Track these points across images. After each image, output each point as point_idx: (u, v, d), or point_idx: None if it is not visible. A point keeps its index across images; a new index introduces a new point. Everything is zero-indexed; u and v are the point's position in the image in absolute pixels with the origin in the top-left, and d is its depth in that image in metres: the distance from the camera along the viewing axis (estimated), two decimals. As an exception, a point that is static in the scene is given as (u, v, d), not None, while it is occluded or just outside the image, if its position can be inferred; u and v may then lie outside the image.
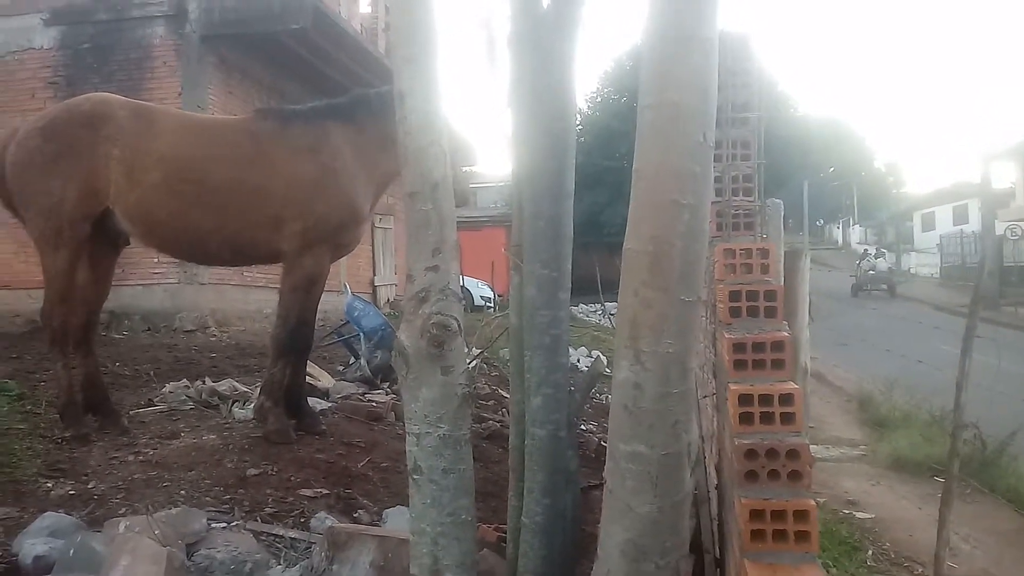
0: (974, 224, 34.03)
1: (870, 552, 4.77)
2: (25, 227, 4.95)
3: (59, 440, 4.67)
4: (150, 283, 10.41)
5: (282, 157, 4.96)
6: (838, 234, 50.63)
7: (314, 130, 5.07)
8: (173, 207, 4.82)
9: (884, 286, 28.47)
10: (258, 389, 5.27)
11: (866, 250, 33.35)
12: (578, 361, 10.85)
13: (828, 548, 4.49)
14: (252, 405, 5.63)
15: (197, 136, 5.05)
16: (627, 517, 1.88)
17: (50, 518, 3.21)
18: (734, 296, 2.42)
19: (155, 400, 5.96)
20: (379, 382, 7.10)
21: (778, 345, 2.25)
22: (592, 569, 2.05)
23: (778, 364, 2.24)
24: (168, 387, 6.20)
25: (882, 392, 9.11)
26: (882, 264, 29.39)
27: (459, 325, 2.24)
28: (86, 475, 4.06)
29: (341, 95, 5.51)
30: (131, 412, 5.55)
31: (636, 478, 1.87)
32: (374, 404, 6.16)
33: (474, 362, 2.32)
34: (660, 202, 1.81)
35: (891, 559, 4.75)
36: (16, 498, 3.70)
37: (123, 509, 3.56)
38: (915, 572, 4.56)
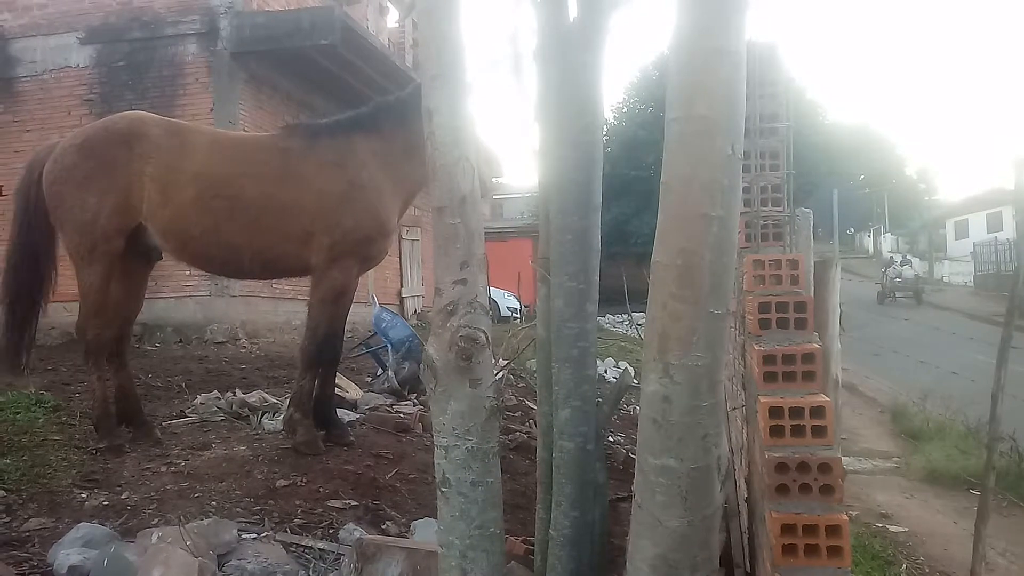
0: (1008, 232, 33.43)
1: (904, 567, 4.69)
2: (62, 242, 5.05)
3: (93, 451, 4.74)
4: (182, 295, 10.56)
5: (310, 172, 5.04)
6: (869, 243, 49.91)
7: (339, 144, 5.13)
8: (206, 223, 4.91)
9: (910, 293, 28.28)
10: (287, 401, 5.32)
11: (892, 257, 33.21)
12: (605, 372, 10.81)
13: (861, 562, 4.42)
14: (281, 417, 5.69)
15: (229, 153, 5.14)
16: (656, 531, 1.87)
17: (84, 528, 3.26)
18: (764, 308, 2.41)
19: (187, 411, 6.04)
20: (407, 393, 7.13)
21: (808, 357, 2.23)
22: (621, 583, 2.04)
23: (809, 376, 2.22)
24: (199, 399, 6.28)
25: (916, 403, 8.97)
26: (908, 271, 29.24)
27: (487, 338, 2.25)
28: (120, 486, 4.12)
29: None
30: (163, 423, 5.62)
31: (666, 492, 1.86)
32: (402, 415, 6.18)
33: (501, 373, 2.32)
34: (689, 215, 1.81)
35: (925, 574, 4.67)
36: (51, 509, 3.76)
37: (155, 520, 3.60)
38: (951, 587, 4.47)
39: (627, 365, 9.02)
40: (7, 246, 5.17)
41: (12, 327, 5.03)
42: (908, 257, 33.59)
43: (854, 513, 5.36)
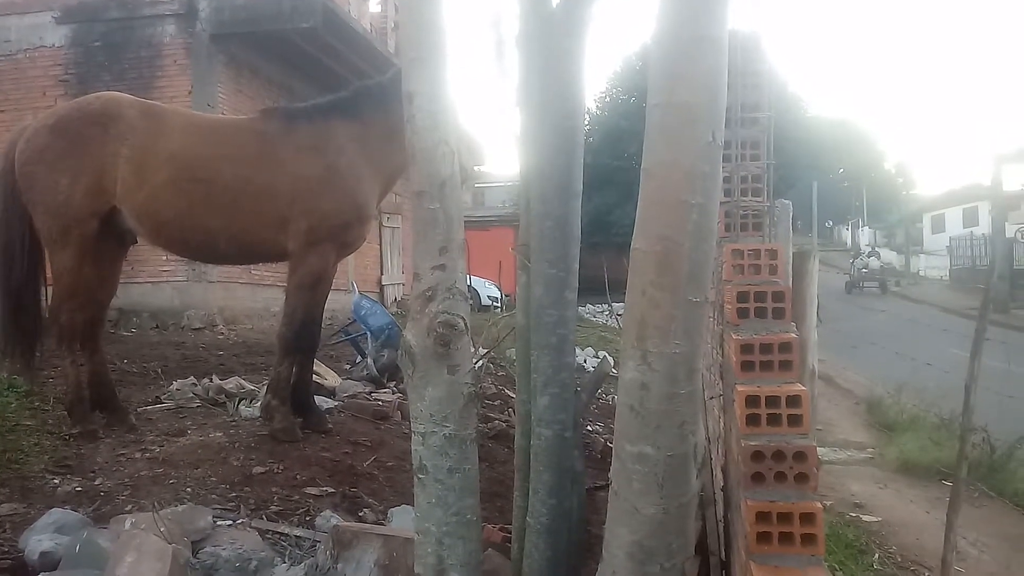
0: (984, 227, 33.85)
1: (876, 555, 4.75)
2: (35, 224, 4.89)
3: (66, 437, 4.68)
4: (159, 281, 10.45)
5: (288, 156, 4.98)
6: (847, 236, 50.37)
7: (318, 128, 5.07)
8: (181, 206, 4.83)
9: (875, 284, 30.03)
10: (265, 388, 5.28)
11: (859, 249, 35.09)
12: (584, 361, 10.85)
13: (834, 551, 4.46)
14: (259, 403, 5.65)
15: (206, 136, 5.06)
16: (633, 518, 1.87)
17: (56, 514, 3.22)
18: (742, 297, 2.41)
19: (162, 397, 5.97)
20: (385, 381, 7.11)
21: (786, 346, 2.24)
22: (597, 570, 2.04)
23: (786, 366, 2.23)
24: (175, 384, 6.21)
25: (890, 395, 9.07)
26: (874, 263, 31.00)
27: (465, 324, 2.24)
28: (93, 472, 4.07)
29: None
30: (138, 409, 5.56)
31: (642, 479, 1.86)
32: (380, 403, 6.17)
33: (480, 361, 2.31)
34: (669, 201, 1.80)
35: (898, 563, 4.72)
36: (23, 494, 3.71)
37: (129, 506, 3.56)
38: (921, 576, 4.53)
39: (606, 354, 9.04)
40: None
41: (7, 319, 4.89)
42: (875, 249, 34.98)
43: (828, 503, 5.41)
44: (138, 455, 4.33)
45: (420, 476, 2.23)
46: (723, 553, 2.90)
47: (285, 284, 5.16)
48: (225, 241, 4.98)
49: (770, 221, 3.42)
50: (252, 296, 11.62)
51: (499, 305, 20.00)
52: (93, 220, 4.78)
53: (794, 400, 2.08)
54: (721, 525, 2.99)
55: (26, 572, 2.89)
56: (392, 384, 7.04)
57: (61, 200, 4.71)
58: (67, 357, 4.85)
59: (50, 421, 4.95)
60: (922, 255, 41.41)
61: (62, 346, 4.86)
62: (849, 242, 46.32)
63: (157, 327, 10.31)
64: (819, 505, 1.94)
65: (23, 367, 5.02)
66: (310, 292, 5.02)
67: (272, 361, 5.49)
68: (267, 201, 4.93)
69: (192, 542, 3.11)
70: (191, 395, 5.95)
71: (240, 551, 3.08)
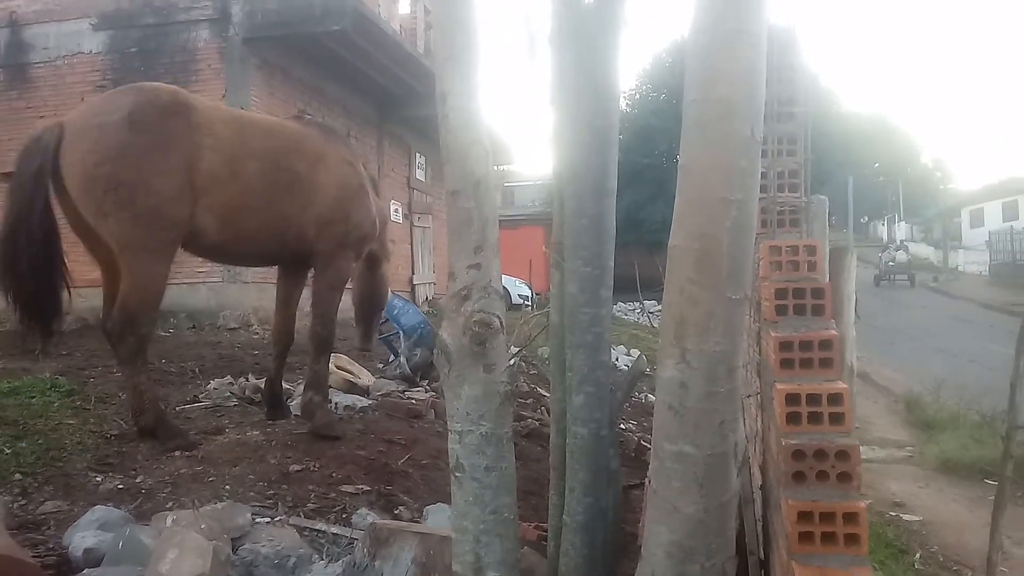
0: (1025, 220, 33.13)
1: (918, 555, 4.67)
2: (106, 229, 4.40)
3: (108, 436, 4.77)
4: (195, 282, 10.60)
5: (334, 162, 5.25)
6: (883, 231, 49.55)
7: (348, 148, 5.55)
8: (268, 197, 4.84)
9: (905, 276, 30.55)
10: (304, 386, 5.37)
11: (889, 243, 36.40)
12: (617, 360, 10.79)
13: (874, 551, 4.39)
14: (295, 402, 5.73)
15: (267, 129, 5.12)
16: (672, 518, 1.86)
17: (99, 511, 3.28)
18: (780, 294, 2.38)
19: (200, 396, 6.07)
20: (419, 380, 7.14)
21: (826, 343, 2.21)
22: (636, 569, 2.03)
23: (826, 363, 2.20)
24: (212, 384, 6.31)
25: (930, 392, 8.91)
26: (902, 256, 31.72)
27: (501, 323, 2.24)
28: (134, 470, 4.14)
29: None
30: (177, 408, 5.65)
31: (682, 478, 1.84)
32: (414, 402, 6.19)
33: (514, 360, 2.31)
34: (707, 198, 1.78)
35: (939, 563, 4.64)
36: (66, 492, 3.78)
37: (170, 503, 3.62)
38: (964, 576, 4.44)
39: (640, 353, 8.99)
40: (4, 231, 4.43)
41: (26, 310, 4.47)
42: (903, 243, 36.01)
43: (868, 501, 5.33)
44: (178, 453, 4.39)
45: (457, 475, 2.24)
46: (762, 553, 2.87)
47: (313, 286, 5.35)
48: (275, 238, 5.00)
49: (807, 216, 3.38)
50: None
51: (530, 304, 19.98)
52: (184, 222, 4.50)
53: (835, 398, 2.05)
54: (759, 524, 2.96)
55: (70, 568, 2.94)
56: (425, 383, 7.07)
57: (156, 203, 4.35)
58: (141, 372, 4.52)
59: (92, 420, 5.04)
60: (960, 250, 40.58)
61: (138, 360, 4.49)
62: (885, 237, 45.60)
63: (194, 327, 10.47)
64: (863, 505, 1.91)
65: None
66: (338, 293, 5.27)
67: (306, 360, 5.62)
68: (319, 200, 5.10)
69: (232, 539, 3.15)
70: (228, 394, 6.04)
71: (279, 548, 3.11)
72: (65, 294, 4.57)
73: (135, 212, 4.33)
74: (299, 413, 5.34)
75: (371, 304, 6.15)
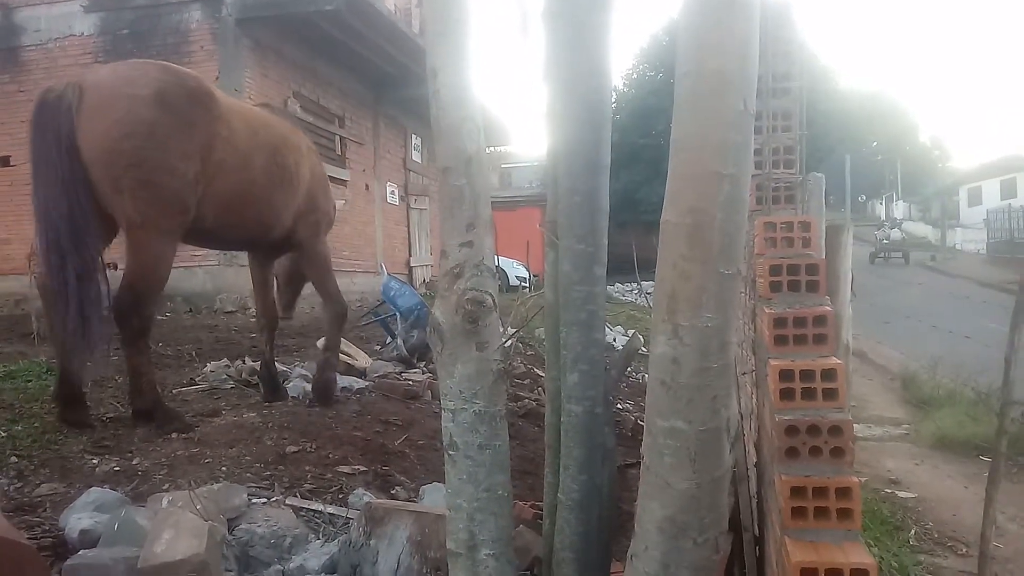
0: (1022, 198, 33.07)
1: (913, 532, 4.69)
2: (115, 201, 4.27)
3: (104, 418, 4.77)
4: (191, 265, 10.58)
5: (306, 153, 5.55)
6: (881, 210, 49.51)
7: (307, 138, 5.80)
8: (269, 188, 5.06)
9: (899, 254, 31.10)
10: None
11: (883, 221, 37.04)
12: (614, 340, 10.80)
13: (870, 527, 4.41)
14: (290, 384, 5.77)
15: (263, 121, 5.25)
16: (665, 493, 1.86)
17: (95, 493, 3.28)
18: (775, 270, 2.37)
19: (197, 379, 6.07)
20: (415, 361, 7.15)
21: (820, 320, 2.20)
22: (629, 546, 2.03)
23: (820, 339, 2.19)
24: (209, 366, 6.31)
25: (926, 370, 8.92)
26: (896, 234, 32.45)
27: (494, 301, 2.23)
28: (130, 452, 4.14)
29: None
30: (174, 391, 5.66)
31: (674, 454, 1.84)
32: (410, 383, 6.21)
33: (510, 340, 2.30)
34: (699, 173, 1.76)
35: (934, 539, 4.66)
36: (63, 474, 3.79)
37: (166, 485, 3.62)
38: (959, 552, 4.46)
39: (635, 331, 8.99)
40: (40, 213, 4.18)
41: (73, 308, 4.11)
42: (897, 220, 36.93)
43: (863, 479, 5.34)
44: (174, 435, 4.39)
45: (450, 453, 2.24)
46: (756, 529, 2.88)
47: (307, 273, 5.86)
48: (261, 228, 5.22)
49: (803, 194, 3.36)
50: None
51: (527, 285, 19.99)
52: (193, 207, 4.49)
53: (829, 374, 2.04)
54: (754, 501, 2.97)
55: (66, 550, 2.95)
56: (422, 364, 7.09)
57: (179, 186, 4.33)
58: (143, 353, 4.49)
59: (88, 403, 5.04)
60: (958, 228, 40.56)
61: (140, 342, 4.43)
62: (883, 216, 45.60)
63: (191, 311, 10.46)
64: (855, 479, 1.90)
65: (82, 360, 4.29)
66: (331, 273, 5.79)
67: (303, 343, 5.83)
68: (300, 192, 5.40)
69: (228, 519, 3.15)
70: (224, 377, 6.04)
71: (275, 528, 3.12)
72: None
73: (153, 192, 4.27)
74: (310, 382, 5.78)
75: (299, 279, 6.37)
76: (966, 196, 43.66)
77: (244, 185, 4.82)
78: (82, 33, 11.31)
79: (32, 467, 3.84)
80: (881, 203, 50.65)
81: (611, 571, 2.59)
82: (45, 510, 3.34)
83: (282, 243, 5.53)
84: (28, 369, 5.72)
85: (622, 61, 41.61)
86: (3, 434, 4.20)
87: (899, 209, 46.45)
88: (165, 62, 4.92)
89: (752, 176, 2.34)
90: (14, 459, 3.89)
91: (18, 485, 3.62)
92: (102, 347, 4.30)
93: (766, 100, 3.01)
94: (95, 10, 11.25)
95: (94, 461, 3.98)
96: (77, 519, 3.04)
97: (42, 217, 4.17)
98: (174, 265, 4.66)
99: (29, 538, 2.85)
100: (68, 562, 2.73)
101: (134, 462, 3.96)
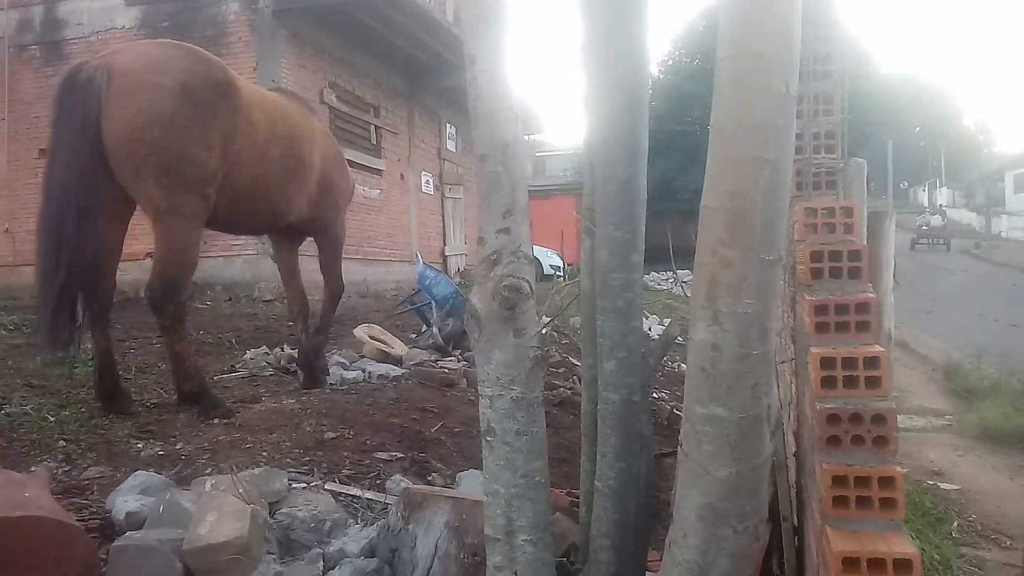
0: (1072, 185, 32.12)
1: (956, 524, 4.61)
2: (137, 188, 4.34)
3: (149, 404, 4.87)
4: (230, 255, 10.74)
5: (320, 137, 5.66)
6: (924, 197, 48.41)
7: (317, 113, 6.11)
8: (282, 179, 5.13)
9: (940, 240, 31.27)
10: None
11: (925, 208, 37.54)
12: (650, 329, 10.74)
13: (912, 519, 4.34)
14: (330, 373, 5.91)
15: (281, 109, 5.30)
16: (704, 481, 1.85)
17: (141, 477, 3.35)
18: (816, 256, 2.32)
19: (237, 366, 6.17)
20: (451, 349, 7.18)
21: (863, 307, 2.16)
22: (667, 533, 2.02)
23: (863, 327, 2.15)
24: (249, 354, 6.41)
25: (970, 360, 8.73)
26: (936, 221, 32.48)
27: (531, 287, 2.22)
28: (174, 437, 4.23)
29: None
30: (215, 378, 5.75)
31: (713, 441, 1.82)
32: (446, 371, 6.24)
33: (545, 328, 2.30)
34: (740, 157, 1.74)
35: (978, 531, 4.57)
36: (109, 458, 3.88)
37: (209, 469, 3.69)
38: (1003, 545, 4.37)
39: (672, 320, 8.93)
40: (51, 196, 4.24)
41: (50, 301, 4.18)
42: (940, 207, 36.51)
43: (905, 470, 5.26)
44: (216, 421, 4.47)
45: (488, 439, 2.25)
46: (795, 519, 2.85)
47: (346, 256, 6.18)
48: (274, 216, 5.33)
49: (844, 179, 3.30)
50: (318, 268, 11.85)
51: (561, 274, 19.94)
52: (213, 197, 4.56)
53: (872, 362, 2.00)
54: (793, 491, 2.93)
55: (113, 531, 3.02)
56: (457, 352, 7.11)
57: (196, 175, 4.38)
58: (184, 339, 4.59)
59: (132, 389, 5.15)
60: (1004, 216, 39.52)
61: (179, 326, 4.53)
62: (926, 203, 44.64)
63: (230, 299, 10.62)
64: (899, 469, 1.87)
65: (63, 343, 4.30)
66: (339, 257, 6.11)
67: (340, 331, 5.96)
68: (314, 178, 5.50)
69: (269, 503, 3.20)
70: (264, 364, 6.13)
71: (315, 512, 3.16)
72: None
73: (175, 179, 4.31)
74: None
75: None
76: (1012, 182, 42.48)
77: (258, 179, 4.88)
78: (123, 26, 11.50)
79: (79, 451, 3.94)
80: (924, 189, 49.54)
81: (647, 559, 2.58)
82: (92, 493, 3.42)
83: (301, 228, 5.79)
84: (74, 356, 5.85)
85: (658, 47, 41.14)
86: (51, 419, 4.31)
87: (942, 196, 45.40)
88: (193, 46, 4.86)
89: (792, 161, 2.30)
90: (62, 443, 4.00)
91: (66, 468, 3.71)
92: (63, 347, 4.32)
93: (807, 83, 2.95)
94: (136, 3, 11.42)
95: (139, 445, 4.07)
96: (123, 501, 3.12)
97: (52, 200, 4.21)
98: (213, 255, 4.81)
99: (77, 520, 2.93)
100: (115, 543, 2.80)
101: (178, 447, 4.05)
